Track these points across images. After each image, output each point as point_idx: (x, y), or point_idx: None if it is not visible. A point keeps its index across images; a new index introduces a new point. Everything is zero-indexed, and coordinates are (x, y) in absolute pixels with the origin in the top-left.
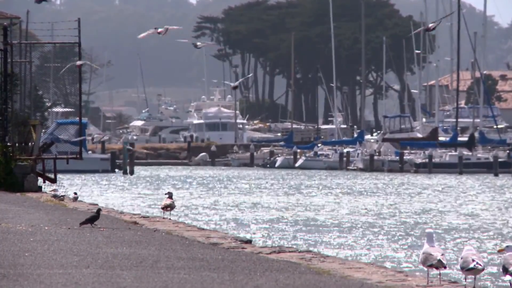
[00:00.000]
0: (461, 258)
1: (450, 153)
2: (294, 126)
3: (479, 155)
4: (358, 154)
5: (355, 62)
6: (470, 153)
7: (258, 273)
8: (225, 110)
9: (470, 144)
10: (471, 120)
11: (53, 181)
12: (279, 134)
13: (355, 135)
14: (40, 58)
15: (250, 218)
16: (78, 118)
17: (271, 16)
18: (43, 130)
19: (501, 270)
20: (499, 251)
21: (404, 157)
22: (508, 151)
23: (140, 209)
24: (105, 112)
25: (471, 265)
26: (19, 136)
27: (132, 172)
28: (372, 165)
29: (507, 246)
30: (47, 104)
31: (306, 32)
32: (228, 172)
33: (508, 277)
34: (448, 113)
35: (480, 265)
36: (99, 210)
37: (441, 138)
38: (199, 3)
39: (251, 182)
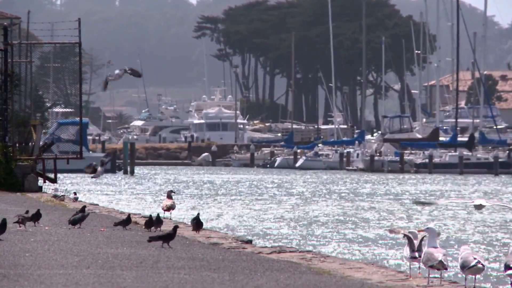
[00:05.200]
0: (461, 258)
1: (450, 154)
2: (294, 126)
3: (479, 155)
4: (358, 154)
5: (355, 62)
6: (470, 154)
7: (259, 273)
8: (226, 110)
9: (470, 145)
10: (471, 120)
11: (54, 181)
12: (279, 134)
13: (355, 135)
14: (41, 58)
15: (250, 219)
16: (78, 118)
17: (271, 16)
18: (44, 131)
19: (502, 269)
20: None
21: (404, 158)
22: (507, 151)
23: (141, 209)
24: (105, 112)
25: (473, 263)
26: (19, 136)
27: (132, 172)
28: (372, 166)
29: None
30: (47, 104)
31: (306, 32)
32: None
33: (509, 272)
34: (448, 113)
35: (480, 263)
36: (175, 227)
37: (440, 139)
38: (199, 3)
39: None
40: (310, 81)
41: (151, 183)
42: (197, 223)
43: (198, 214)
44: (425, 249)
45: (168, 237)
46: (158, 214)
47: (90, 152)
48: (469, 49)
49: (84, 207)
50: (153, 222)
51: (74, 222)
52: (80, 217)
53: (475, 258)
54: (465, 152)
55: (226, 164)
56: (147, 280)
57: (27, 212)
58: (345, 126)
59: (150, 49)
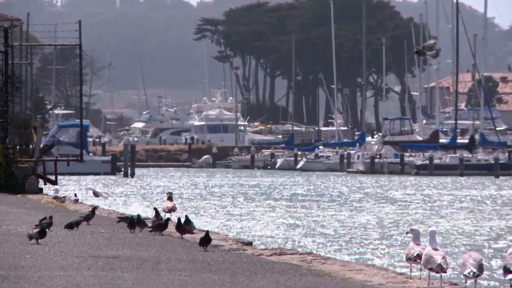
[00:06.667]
0: (461, 260)
1: (450, 155)
2: (295, 128)
3: (479, 157)
4: (358, 156)
5: (355, 64)
6: (470, 155)
7: (259, 275)
8: (226, 112)
9: (470, 146)
10: (472, 122)
11: (54, 183)
12: (280, 136)
13: (356, 137)
14: (41, 60)
15: (251, 220)
16: (79, 120)
17: (272, 18)
18: (44, 133)
19: (502, 271)
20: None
21: (405, 159)
22: (506, 153)
23: (142, 211)
24: (106, 114)
25: (466, 272)
26: (20, 138)
27: (133, 174)
28: (372, 167)
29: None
30: (48, 106)
31: (306, 34)
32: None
33: (509, 276)
34: (448, 115)
35: (473, 272)
36: (207, 232)
37: (440, 140)
38: (199, 5)
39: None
40: (310, 83)
41: (152, 184)
42: (178, 226)
43: (186, 216)
44: (425, 250)
45: (204, 241)
46: (138, 215)
47: (91, 154)
48: (469, 50)
49: (95, 208)
50: (135, 223)
51: (70, 225)
52: (77, 220)
53: (470, 265)
54: (466, 154)
55: (226, 166)
56: (147, 282)
57: (44, 218)
58: (346, 128)
59: (151, 51)
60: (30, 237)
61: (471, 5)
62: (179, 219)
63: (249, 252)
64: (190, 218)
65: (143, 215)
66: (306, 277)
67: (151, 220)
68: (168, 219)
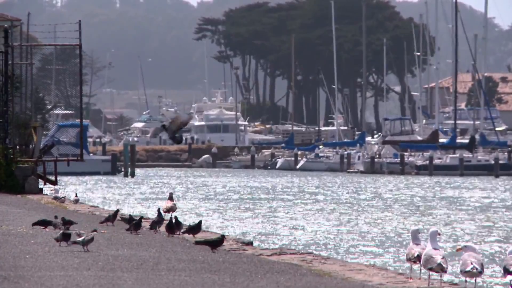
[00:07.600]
0: (461, 260)
1: (450, 156)
2: (295, 128)
3: (479, 157)
4: (359, 156)
5: (356, 64)
6: (470, 155)
7: (259, 275)
8: (227, 112)
9: (470, 146)
10: (472, 122)
11: (54, 183)
12: (280, 136)
13: (356, 137)
14: (41, 60)
15: (251, 221)
16: (79, 120)
17: (272, 18)
18: (44, 133)
19: (502, 271)
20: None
21: (405, 159)
22: (506, 153)
23: (141, 211)
24: (106, 114)
25: (468, 268)
26: (20, 138)
27: (133, 174)
28: (372, 167)
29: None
30: (48, 106)
31: (306, 34)
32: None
33: (509, 277)
34: (448, 115)
35: (476, 268)
36: (223, 236)
37: (441, 140)
38: (199, 5)
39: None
40: (310, 83)
41: (152, 185)
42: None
43: (176, 217)
44: (425, 250)
45: (214, 243)
46: (130, 215)
47: (91, 154)
48: (469, 50)
49: (117, 211)
50: (138, 224)
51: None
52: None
53: (471, 263)
54: (466, 154)
55: (226, 166)
56: (147, 282)
57: (45, 220)
58: (346, 128)
59: (151, 51)
60: (56, 239)
61: (471, 5)
62: (170, 219)
63: (249, 252)
64: (179, 219)
65: (144, 215)
66: (306, 277)
67: (150, 221)
68: (200, 221)
